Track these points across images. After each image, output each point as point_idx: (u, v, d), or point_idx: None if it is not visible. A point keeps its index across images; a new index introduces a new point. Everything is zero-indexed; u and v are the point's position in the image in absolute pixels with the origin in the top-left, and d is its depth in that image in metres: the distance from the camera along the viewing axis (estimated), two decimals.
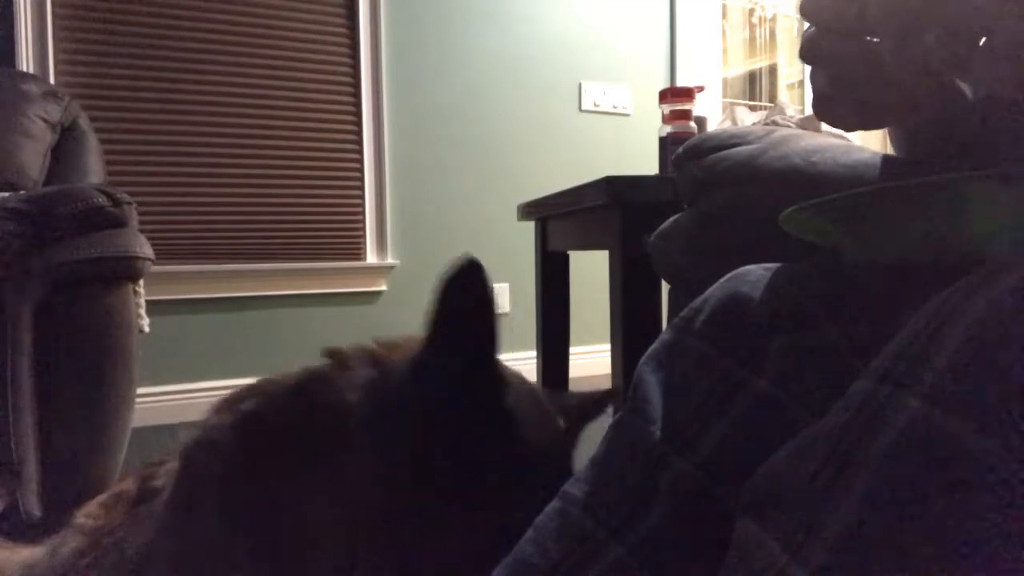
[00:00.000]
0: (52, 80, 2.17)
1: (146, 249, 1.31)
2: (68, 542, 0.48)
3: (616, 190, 1.06)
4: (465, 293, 0.52)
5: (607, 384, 1.22)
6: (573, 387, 1.56)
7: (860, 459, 0.32)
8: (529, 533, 0.57)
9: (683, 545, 0.50)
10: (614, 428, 0.59)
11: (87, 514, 0.50)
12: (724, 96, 3.51)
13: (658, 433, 0.54)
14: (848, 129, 0.51)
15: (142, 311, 1.42)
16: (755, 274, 0.57)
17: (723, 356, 0.54)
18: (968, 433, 0.28)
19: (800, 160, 0.72)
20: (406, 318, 2.64)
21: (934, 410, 0.29)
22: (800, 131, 0.88)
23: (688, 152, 0.86)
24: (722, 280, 0.59)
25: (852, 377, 0.37)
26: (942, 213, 0.38)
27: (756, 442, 0.48)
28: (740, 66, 3.69)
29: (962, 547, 0.28)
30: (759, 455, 0.42)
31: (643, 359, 0.60)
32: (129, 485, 0.53)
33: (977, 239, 0.38)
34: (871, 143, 3.01)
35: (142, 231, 1.34)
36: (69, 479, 1.21)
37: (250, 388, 0.54)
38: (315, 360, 0.56)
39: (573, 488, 0.57)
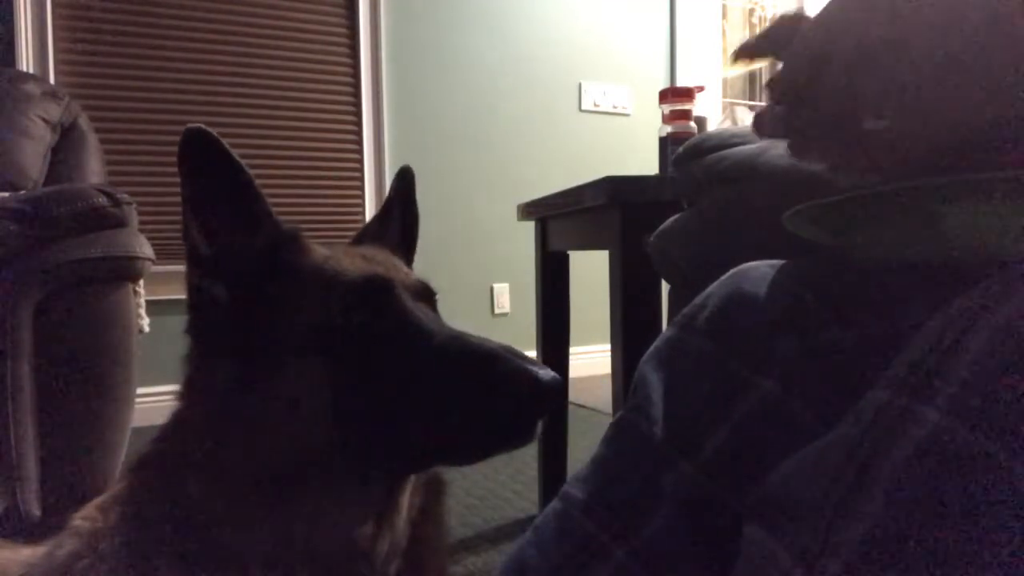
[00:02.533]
0: (52, 80, 2.17)
1: (146, 249, 1.31)
2: (65, 545, 0.48)
3: (616, 190, 1.05)
4: (201, 159, 0.51)
5: (607, 384, 1.21)
6: (573, 387, 1.56)
7: (876, 471, 0.31)
8: (529, 535, 0.56)
9: (687, 549, 0.49)
10: (615, 427, 0.58)
11: (84, 516, 0.50)
12: (724, 96, 3.50)
13: (661, 433, 0.53)
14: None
15: (142, 311, 1.42)
16: (759, 271, 0.56)
17: (727, 355, 0.53)
18: (989, 447, 0.27)
19: None
20: None
21: (954, 423, 0.29)
22: None
23: (688, 151, 0.86)
24: (725, 277, 0.58)
25: (858, 378, 0.36)
26: (945, 214, 0.38)
27: (761, 444, 0.47)
28: (740, 66, 3.68)
29: (982, 563, 0.27)
30: (764, 458, 0.41)
31: (645, 357, 0.59)
32: (121, 491, 0.53)
33: (982, 239, 0.38)
34: None
35: (142, 231, 1.34)
36: (69, 479, 1.20)
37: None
38: None
39: (574, 489, 0.56)
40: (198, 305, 0.53)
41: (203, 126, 0.50)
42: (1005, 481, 0.27)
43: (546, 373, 0.43)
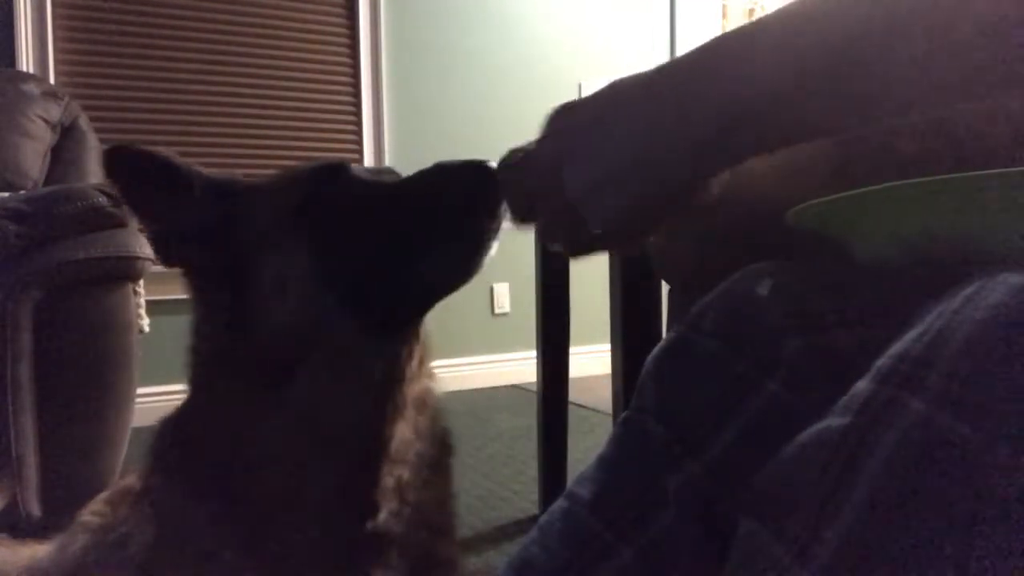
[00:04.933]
0: (52, 80, 2.17)
1: (146, 249, 1.31)
2: (76, 540, 0.48)
3: None
4: (122, 168, 0.53)
5: (607, 384, 1.21)
6: (573, 387, 1.56)
7: (863, 462, 0.31)
8: (534, 533, 0.56)
9: (693, 549, 0.49)
10: (622, 426, 0.58)
11: (93, 512, 0.50)
12: None
13: (667, 433, 0.53)
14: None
15: (142, 311, 1.42)
16: (766, 272, 0.56)
17: (734, 356, 0.53)
18: (975, 436, 0.28)
19: None
20: None
21: (940, 413, 0.29)
22: None
23: None
24: (733, 277, 0.58)
25: (861, 378, 0.36)
26: (952, 210, 0.38)
27: (767, 446, 0.47)
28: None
29: (967, 552, 0.27)
30: (769, 458, 0.41)
31: (652, 356, 0.59)
32: (133, 481, 0.53)
33: (989, 237, 0.38)
34: None
35: (142, 231, 1.34)
36: (69, 479, 1.21)
37: None
38: None
39: (580, 488, 0.56)
40: (178, 267, 0.57)
41: (116, 145, 0.54)
42: (991, 469, 0.27)
43: (489, 161, 0.48)
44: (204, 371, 0.55)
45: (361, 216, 0.51)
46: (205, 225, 0.55)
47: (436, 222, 0.49)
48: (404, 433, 0.54)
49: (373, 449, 0.51)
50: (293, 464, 0.49)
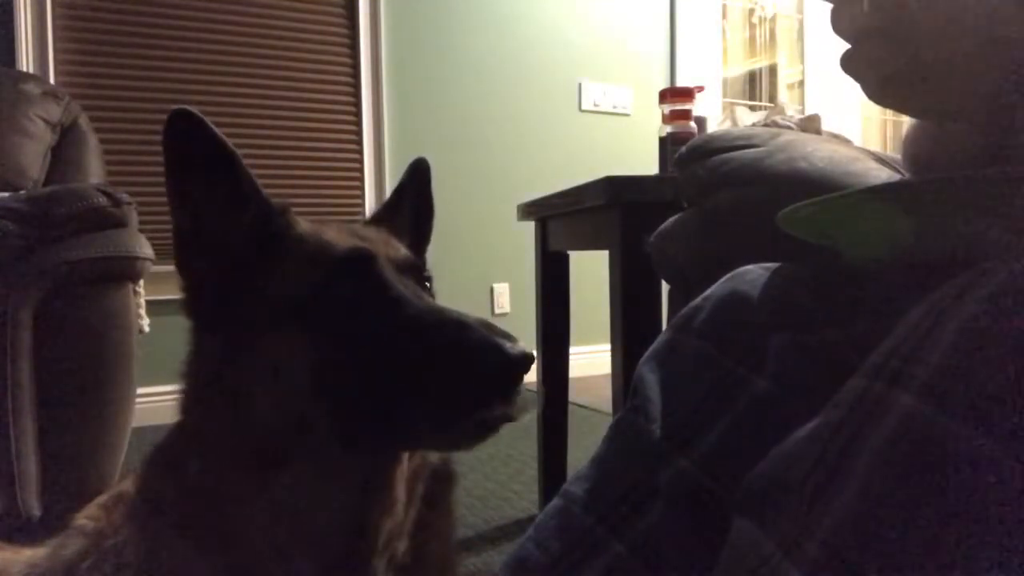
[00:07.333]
0: (52, 80, 2.17)
1: (146, 249, 1.31)
2: (69, 544, 0.48)
3: (616, 190, 1.05)
4: (186, 140, 0.49)
5: (607, 384, 1.22)
6: (573, 387, 1.56)
7: (853, 457, 0.32)
8: (530, 531, 0.57)
9: (682, 542, 0.49)
10: (615, 427, 0.59)
11: (88, 516, 0.50)
12: (724, 96, 3.50)
13: (658, 431, 0.54)
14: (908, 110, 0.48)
15: (142, 311, 1.42)
16: (754, 273, 0.57)
17: (723, 355, 0.53)
18: (961, 430, 0.28)
19: (807, 165, 0.73)
20: None
21: (927, 407, 0.29)
22: (805, 135, 0.88)
23: (692, 153, 0.86)
24: (722, 280, 0.59)
25: (847, 374, 0.37)
26: (940, 210, 0.38)
27: (756, 440, 0.47)
28: (740, 66, 3.69)
29: (955, 543, 0.27)
30: (758, 453, 0.42)
31: (643, 358, 0.60)
32: (129, 486, 0.53)
33: (976, 235, 0.38)
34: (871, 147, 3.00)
35: (142, 231, 1.34)
36: (69, 479, 1.21)
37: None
38: None
39: (574, 487, 0.57)
40: (186, 280, 0.53)
41: (188, 108, 0.49)
42: (978, 462, 0.28)
43: (514, 347, 0.43)
44: (192, 413, 0.51)
45: (370, 334, 0.46)
46: (231, 248, 0.51)
47: (440, 389, 0.44)
48: (396, 519, 0.52)
49: (357, 544, 0.49)
50: (272, 548, 0.47)
